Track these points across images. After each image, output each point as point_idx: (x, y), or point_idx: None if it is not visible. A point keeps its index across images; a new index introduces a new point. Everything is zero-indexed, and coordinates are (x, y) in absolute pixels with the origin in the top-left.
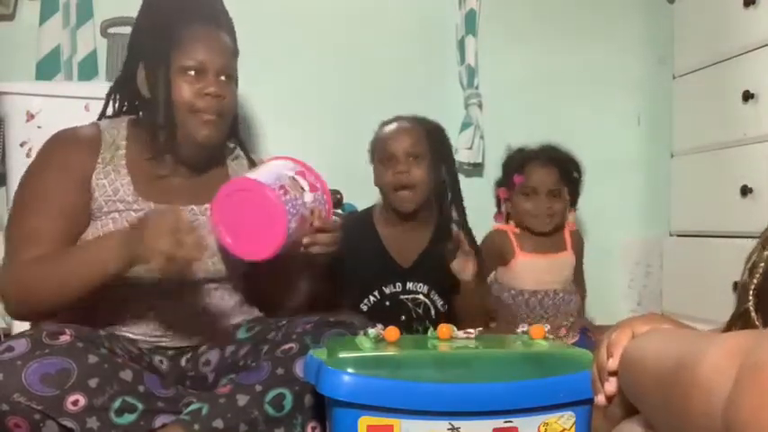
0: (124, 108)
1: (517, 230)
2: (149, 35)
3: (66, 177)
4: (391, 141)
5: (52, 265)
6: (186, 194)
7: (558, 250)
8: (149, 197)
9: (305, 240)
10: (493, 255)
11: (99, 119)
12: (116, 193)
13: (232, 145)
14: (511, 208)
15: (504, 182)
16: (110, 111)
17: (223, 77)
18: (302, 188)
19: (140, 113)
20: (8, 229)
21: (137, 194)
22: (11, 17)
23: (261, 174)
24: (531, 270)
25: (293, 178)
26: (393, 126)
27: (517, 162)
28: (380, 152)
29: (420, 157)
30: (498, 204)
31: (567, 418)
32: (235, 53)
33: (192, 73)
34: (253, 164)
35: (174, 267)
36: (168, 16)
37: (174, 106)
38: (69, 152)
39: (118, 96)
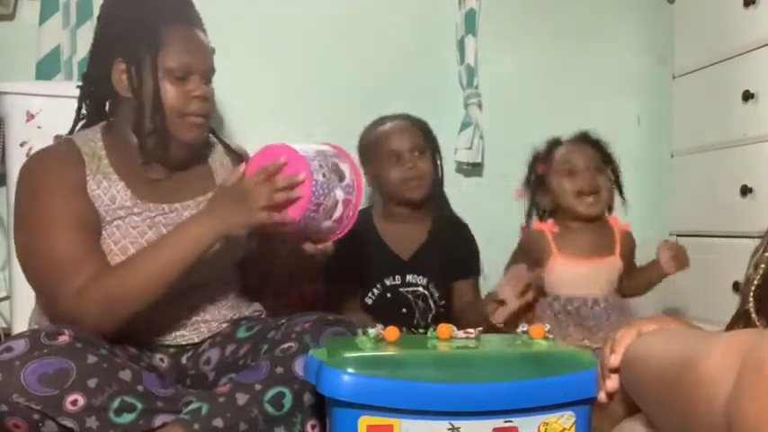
0: (102, 109)
1: (556, 229)
2: (129, 32)
3: (65, 190)
4: (395, 140)
5: (138, 264)
6: (176, 192)
7: (604, 254)
8: (147, 199)
9: (307, 248)
10: (529, 256)
11: (73, 126)
12: (114, 201)
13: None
14: (548, 200)
15: (538, 165)
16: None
17: (204, 80)
18: (340, 178)
19: (111, 117)
20: (38, 263)
21: (135, 198)
22: (11, 17)
23: (302, 147)
24: (568, 274)
25: (337, 165)
26: (389, 126)
27: (550, 145)
28: (383, 150)
29: (423, 151)
30: (532, 207)
31: (566, 418)
32: (213, 51)
33: (178, 75)
34: (227, 147)
35: (278, 216)
36: (149, 13)
37: (162, 108)
38: (60, 168)
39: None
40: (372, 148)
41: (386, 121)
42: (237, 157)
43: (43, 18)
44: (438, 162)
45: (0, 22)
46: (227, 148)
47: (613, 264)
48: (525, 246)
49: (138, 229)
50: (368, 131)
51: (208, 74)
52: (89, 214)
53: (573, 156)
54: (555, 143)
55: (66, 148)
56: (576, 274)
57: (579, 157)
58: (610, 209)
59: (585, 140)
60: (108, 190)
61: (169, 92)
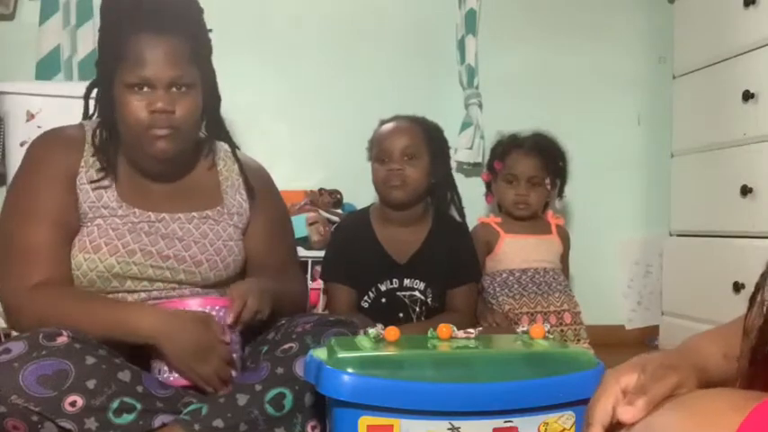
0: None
1: (499, 220)
2: (100, 45)
3: (54, 181)
4: (388, 140)
5: (75, 309)
6: (168, 200)
7: (544, 233)
8: (134, 204)
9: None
10: (480, 247)
11: (83, 119)
12: (99, 199)
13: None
14: (495, 192)
15: (489, 166)
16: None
17: (175, 89)
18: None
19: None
20: (1, 247)
21: (121, 200)
22: (11, 17)
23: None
24: (518, 249)
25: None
26: (391, 125)
27: (502, 149)
28: (377, 150)
29: (415, 157)
30: (488, 187)
31: (566, 418)
32: (194, 56)
33: (142, 88)
34: (244, 175)
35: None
36: (116, 23)
37: (126, 123)
38: (54, 153)
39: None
40: (372, 145)
41: (393, 120)
42: (250, 189)
43: (43, 18)
44: (442, 166)
45: (0, 22)
46: (244, 176)
47: (553, 241)
48: (476, 238)
49: (117, 232)
50: (377, 128)
51: (175, 83)
52: (68, 213)
53: (516, 165)
54: (512, 144)
55: (71, 132)
56: (524, 247)
57: (521, 168)
58: (547, 204)
59: (534, 149)
60: (97, 187)
61: (130, 105)
